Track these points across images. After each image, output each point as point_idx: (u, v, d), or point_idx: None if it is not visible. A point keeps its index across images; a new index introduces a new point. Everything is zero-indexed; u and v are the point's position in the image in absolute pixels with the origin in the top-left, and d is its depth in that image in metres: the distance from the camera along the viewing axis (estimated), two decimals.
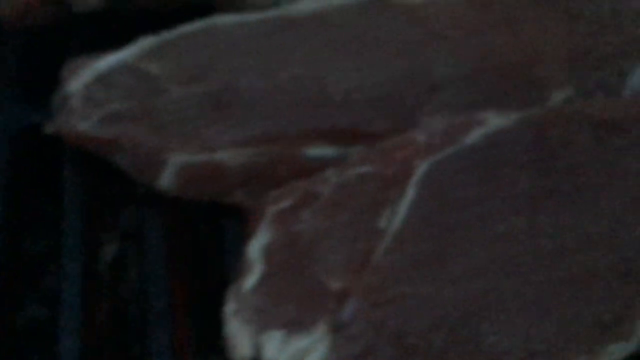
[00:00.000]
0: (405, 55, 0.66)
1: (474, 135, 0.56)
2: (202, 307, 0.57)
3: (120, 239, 0.68)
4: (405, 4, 0.69)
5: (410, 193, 0.55)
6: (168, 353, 0.54)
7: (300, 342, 0.49)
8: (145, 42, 0.64)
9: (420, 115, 0.61)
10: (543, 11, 0.70)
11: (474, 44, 0.67)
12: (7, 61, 0.73)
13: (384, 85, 0.63)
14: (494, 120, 0.57)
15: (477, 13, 0.69)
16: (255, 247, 0.53)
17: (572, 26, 0.69)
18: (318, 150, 0.60)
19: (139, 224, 0.61)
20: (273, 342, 0.49)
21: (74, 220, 0.61)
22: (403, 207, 0.54)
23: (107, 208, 0.65)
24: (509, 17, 0.69)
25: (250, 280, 0.51)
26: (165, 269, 0.58)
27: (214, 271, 0.59)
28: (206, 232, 0.63)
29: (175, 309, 0.56)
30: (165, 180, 0.59)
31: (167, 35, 0.65)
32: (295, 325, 0.49)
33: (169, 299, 0.56)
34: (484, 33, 0.68)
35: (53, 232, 0.64)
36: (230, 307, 0.51)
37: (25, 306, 0.66)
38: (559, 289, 0.52)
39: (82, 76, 0.61)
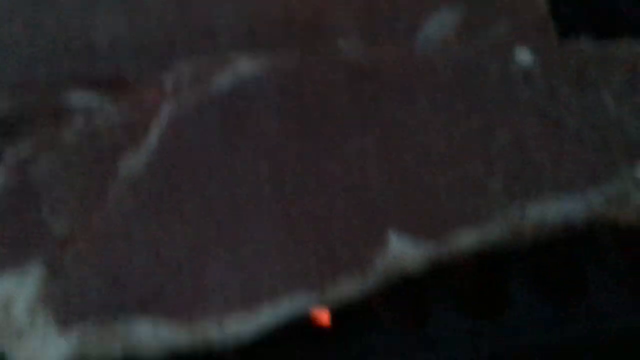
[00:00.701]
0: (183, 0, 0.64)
1: (223, 80, 0.55)
2: None
3: None
4: None
5: (151, 139, 0.54)
6: None
7: (9, 280, 0.48)
8: None
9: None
10: None
11: None
12: None
13: (154, 32, 0.62)
14: (245, 65, 0.56)
15: None
16: None
17: None
18: (80, 99, 0.59)
19: None
20: None
21: None
22: (143, 153, 0.53)
23: None
24: None
25: None
26: None
27: None
28: None
29: None
30: None
31: None
32: (5, 265, 0.48)
33: None
34: None
35: None
36: None
37: None
38: (295, 228, 0.51)
39: None
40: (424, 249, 0.51)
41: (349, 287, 0.50)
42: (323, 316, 0.52)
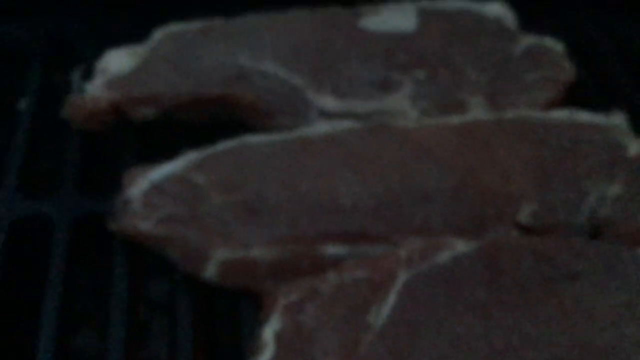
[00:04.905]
0: (401, 170, 0.82)
1: (443, 256, 0.73)
2: None
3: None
4: (401, 128, 0.86)
5: (392, 297, 0.71)
6: None
7: None
8: (191, 156, 0.80)
9: (414, 221, 0.77)
10: (514, 138, 0.86)
11: (457, 163, 0.83)
12: (72, 157, 0.89)
13: (384, 196, 0.79)
14: (459, 245, 0.74)
15: (459, 137, 0.86)
16: (268, 331, 0.69)
17: (538, 151, 0.85)
18: (332, 249, 0.76)
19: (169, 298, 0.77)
20: None
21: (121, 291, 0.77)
22: (386, 308, 0.70)
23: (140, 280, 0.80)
24: (485, 141, 0.85)
25: (263, 358, 0.67)
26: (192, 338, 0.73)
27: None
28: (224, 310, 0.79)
29: None
30: (209, 272, 0.74)
31: (208, 150, 0.81)
32: None
33: None
34: (466, 154, 0.84)
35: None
36: None
37: None
38: None
39: (140, 184, 0.78)
40: None
41: None
42: None
